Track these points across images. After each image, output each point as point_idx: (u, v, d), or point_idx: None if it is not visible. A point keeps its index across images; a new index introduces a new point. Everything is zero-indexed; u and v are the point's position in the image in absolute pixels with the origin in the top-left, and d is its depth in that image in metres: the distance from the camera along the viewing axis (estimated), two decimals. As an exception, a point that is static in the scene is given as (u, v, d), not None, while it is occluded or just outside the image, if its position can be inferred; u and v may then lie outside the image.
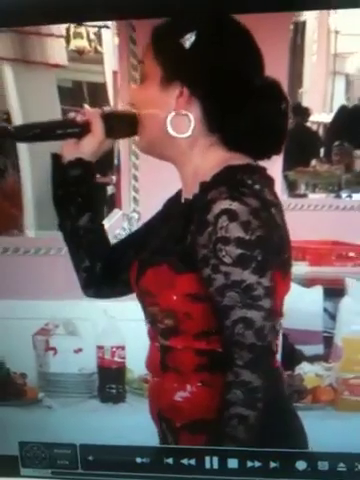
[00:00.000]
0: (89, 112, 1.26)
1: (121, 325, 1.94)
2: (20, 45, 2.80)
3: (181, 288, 1.16)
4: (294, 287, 2.34)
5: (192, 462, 1.35)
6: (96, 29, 3.06)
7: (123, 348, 1.94)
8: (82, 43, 3.09)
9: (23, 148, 2.70)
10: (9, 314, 2.02)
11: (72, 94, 3.16)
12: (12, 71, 2.84)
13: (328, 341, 2.25)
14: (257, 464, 1.34)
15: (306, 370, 2.06)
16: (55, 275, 2.11)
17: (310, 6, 1.36)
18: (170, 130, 1.17)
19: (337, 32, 3.46)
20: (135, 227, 2.16)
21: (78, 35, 3.07)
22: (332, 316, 2.33)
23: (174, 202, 1.29)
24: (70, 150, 1.25)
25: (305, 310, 2.28)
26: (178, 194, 1.28)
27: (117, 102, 2.41)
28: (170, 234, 1.22)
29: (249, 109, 1.15)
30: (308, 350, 2.20)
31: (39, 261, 2.24)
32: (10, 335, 1.95)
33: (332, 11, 3.59)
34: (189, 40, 1.12)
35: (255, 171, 1.18)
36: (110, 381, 1.95)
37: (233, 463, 1.35)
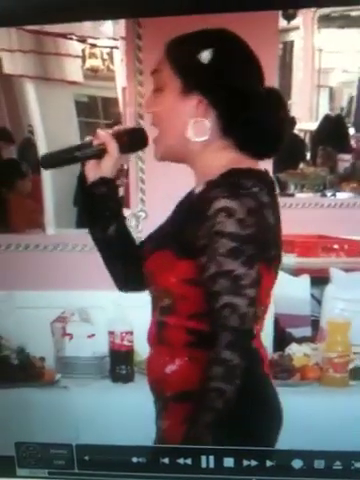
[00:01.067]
0: (102, 135, 1.24)
1: (129, 312, 1.92)
2: (41, 64, 2.80)
3: (179, 272, 1.16)
4: (284, 276, 2.35)
5: (188, 461, 1.25)
6: (108, 50, 3.01)
7: (131, 333, 1.91)
8: (96, 62, 3.05)
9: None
10: (29, 304, 2.03)
11: (88, 108, 3.11)
12: (34, 87, 2.82)
13: (315, 324, 2.25)
14: (253, 463, 1.24)
15: (295, 350, 2.02)
16: (71, 268, 2.08)
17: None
18: (191, 135, 1.16)
19: (321, 50, 3.47)
20: (142, 224, 2.12)
21: (93, 55, 3.04)
22: (318, 301, 2.32)
23: (187, 196, 1.26)
24: (92, 171, 1.24)
25: (294, 297, 2.28)
26: (192, 190, 1.25)
27: (126, 114, 2.36)
28: (177, 223, 1.21)
29: (257, 115, 1.15)
30: (297, 332, 2.18)
31: (57, 256, 2.20)
32: (30, 323, 1.98)
33: (316, 31, 3.66)
34: (207, 57, 1.12)
35: (256, 175, 1.17)
36: (120, 363, 1.93)
37: (229, 462, 1.25)
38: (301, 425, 1.48)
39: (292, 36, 3.43)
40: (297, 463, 1.26)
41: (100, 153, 1.23)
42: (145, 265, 1.22)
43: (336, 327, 1.96)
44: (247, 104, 1.14)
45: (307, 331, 2.23)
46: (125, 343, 1.92)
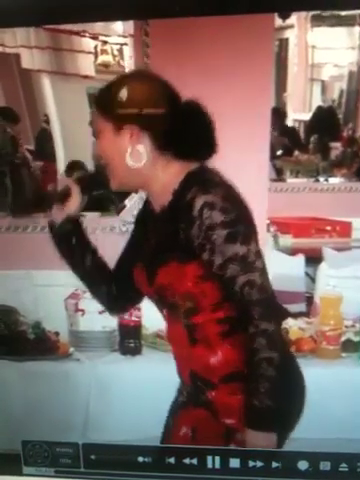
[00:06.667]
0: (66, 180, 1.31)
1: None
2: (57, 60, 2.83)
3: (191, 274, 1.13)
4: (281, 256, 2.30)
5: (194, 461, 1.15)
6: (119, 46, 3.00)
7: (139, 309, 1.82)
8: (107, 58, 3.03)
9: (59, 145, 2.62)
10: (46, 282, 1.99)
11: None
12: (50, 81, 2.85)
13: (309, 300, 2.21)
14: (259, 464, 1.15)
15: (291, 324, 1.95)
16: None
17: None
18: (130, 162, 1.16)
19: (314, 47, 3.49)
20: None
21: (104, 52, 3.02)
22: (312, 279, 2.29)
23: (147, 215, 1.24)
24: (58, 213, 1.24)
25: (290, 275, 2.23)
26: (146, 209, 1.24)
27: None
28: (163, 238, 1.18)
29: (184, 125, 1.16)
30: (293, 308, 2.13)
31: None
32: (46, 300, 1.94)
33: (309, 29, 3.63)
34: (124, 94, 1.15)
35: (208, 170, 1.17)
36: (129, 337, 1.86)
37: (235, 463, 1.16)
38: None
39: (287, 34, 3.45)
40: (303, 465, 1.15)
41: (66, 197, 1.22)
42: (154, 285, 1.18)
43: (328, 302, 1.92)
44: (172, 117, 1.15)
45: (302, 307, 2.19)
46: (133, 318, 1.85)
